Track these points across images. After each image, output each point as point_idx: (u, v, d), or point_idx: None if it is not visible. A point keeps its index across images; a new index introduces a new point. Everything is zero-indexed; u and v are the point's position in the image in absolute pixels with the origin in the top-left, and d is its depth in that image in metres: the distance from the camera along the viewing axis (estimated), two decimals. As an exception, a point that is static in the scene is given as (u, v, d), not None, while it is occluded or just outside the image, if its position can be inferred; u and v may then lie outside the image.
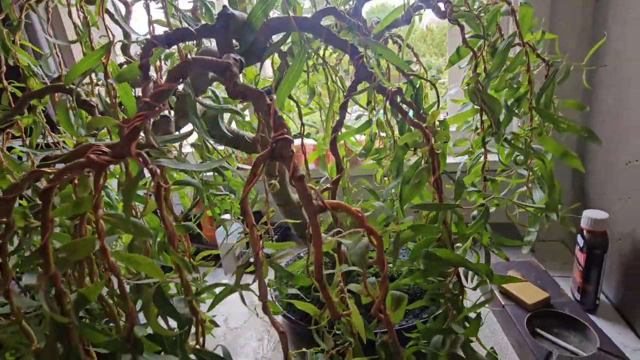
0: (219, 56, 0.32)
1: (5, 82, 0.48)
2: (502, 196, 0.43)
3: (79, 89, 0.47)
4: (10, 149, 0.51)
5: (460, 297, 0.30)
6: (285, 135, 0.18)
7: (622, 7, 0.62)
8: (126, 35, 0.53)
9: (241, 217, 0.21)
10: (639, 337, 0.58)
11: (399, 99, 0.29)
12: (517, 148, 0.41)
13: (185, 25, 0.43)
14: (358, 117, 0.52)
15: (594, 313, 0.63)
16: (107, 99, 0.45)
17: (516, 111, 0.46)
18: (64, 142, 0.56)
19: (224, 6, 0.25)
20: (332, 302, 0.19)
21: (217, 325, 0.41)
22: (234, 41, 0.31)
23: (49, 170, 0.25)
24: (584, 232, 0.63)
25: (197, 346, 0.23)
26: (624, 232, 0.62)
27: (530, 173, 0.47)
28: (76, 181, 0.23)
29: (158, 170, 0.19)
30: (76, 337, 0.18)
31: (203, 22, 0.39)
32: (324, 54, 0.38)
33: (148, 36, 0.44)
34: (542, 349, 0.49)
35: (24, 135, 0.47)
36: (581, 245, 0.64)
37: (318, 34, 0.28)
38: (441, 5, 0.47)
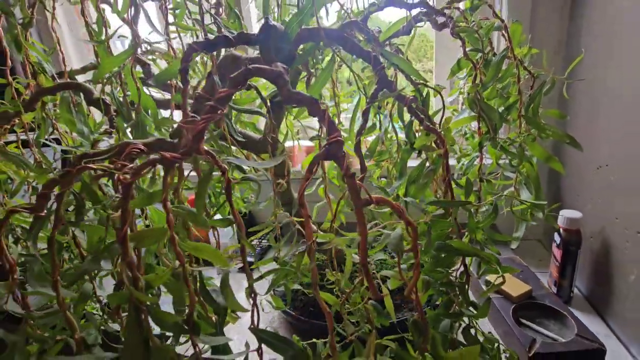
0: (246, 62, 0.34)
1: (9, 78, 0.48)
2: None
3: (91, 87, 0.47)
4: (8, 143, 0.50)
5: (467, 285, 0.33)
6: (339, 138, 0.21)
7: (594, 24, 0.69)
8: (135, 35, 0.54)
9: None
10: (608, 325, 0.64)
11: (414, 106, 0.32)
12: (511, 153, 0.45)
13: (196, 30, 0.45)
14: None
15: (568, 304, 0.69)
16: (120, 98, 0.46)
17: (507, 118, 0.50)
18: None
19: (266, 18, 0.27)
20: (374, 283, 0.21)
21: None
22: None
23: (94, 167, 0.27)
24: (561, 230, 0.69)
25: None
26: (595, 231, 0.69)
27: (518, 175, 0.52)
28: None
29: (226, 167, 0.21)
30: (147, 319, 0.19)
31: (221, 29, 0.40)
32: (351, 64, 0.41)
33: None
34: (527, 337, 0.54)
35: (27, 131, 0.47)
36: (558, 242, 0.69)
37: (343, 44, 0.31)
38: (438, 19, 0.51)
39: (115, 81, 0.49)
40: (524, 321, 0.59)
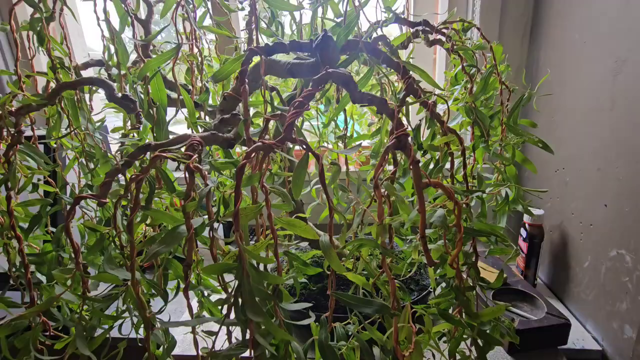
0: (286, 65, 0.38)
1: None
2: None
3: (113, 84, 0.48)
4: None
5: (476, 261, 0.39)
6: (406, 132, 0.25)
7: (549, 51, 0.81)
8: (147, 35, 0.55)
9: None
10: (567, 307, 0.75)
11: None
12: (499, 155, 0.52)
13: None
14: (370, 124, 0.60)
15: (534, 291, 0.79)
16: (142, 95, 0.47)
17: (491, 125, 0.58)
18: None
19: (325, 30, 0.31)
20: (430, 252, 0.26)
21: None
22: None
23: (167, 155, 0.29)
24: (526, 225, 0.79)
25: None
26: (554, 225, 0.79)
27: (499, 175, 0.59)
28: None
29: (321, 155, 0.24)
30: (248, 286, 0.22)
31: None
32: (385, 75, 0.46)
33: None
34: (507, 317, 0.62)
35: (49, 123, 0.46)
36: (524, 236, 0.79)
37: (377, 55, 0.36)
38: (431, 37, 0.58)
39: (131, 77, 0.50)
40: (500, 302, 0.67)
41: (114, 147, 0.78)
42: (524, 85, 0.59)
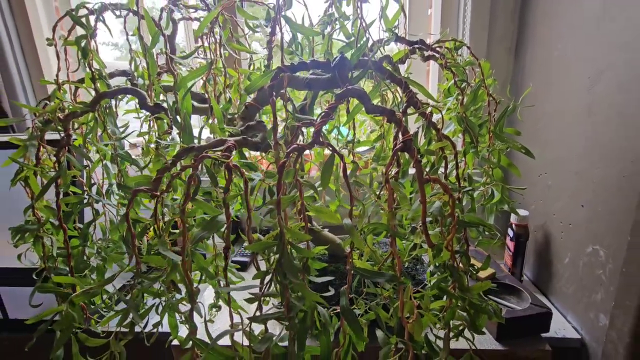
0: (305, 80, 0.44)
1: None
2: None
3: (144, 93, 0.53)
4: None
5: (467, 249, 0.45)
6: (411, 137, 0.31)
7: (534, 64, 0.89)
8: (172, 50, 0.61)
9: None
10: (550, 301, 0.81)
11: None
12: (488, 160, 0.59)
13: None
14: (372, 131, 0.66)
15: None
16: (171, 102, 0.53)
17: (480, 133, 0.65)
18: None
19: (341, 53, 0.37)
20: (429, 237, 0.32)
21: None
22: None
23: (212, 155, 0.35)
24: (513, 225, 0.85)
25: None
26: (538, 225, 0.86)
27: (487, 178, 0.66)
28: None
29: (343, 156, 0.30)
30: (288, 256, 0.28)
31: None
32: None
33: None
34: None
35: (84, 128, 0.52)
36: (511, 235, 0.86)
37: (382, 72, 0.42)
38: (425, 53, 0.65)
39: (158, 87, 0.56)
40: (490, 296, 0.73)
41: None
42: (509, 97, 0.66)
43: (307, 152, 0.88)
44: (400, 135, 0.43)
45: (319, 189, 0.34)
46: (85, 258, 0.61)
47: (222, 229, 0.35)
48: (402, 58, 0.64)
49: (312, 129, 0.46)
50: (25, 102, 1.10)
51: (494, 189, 0.63)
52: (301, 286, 0.27)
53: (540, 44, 0.86)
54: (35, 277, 0.59)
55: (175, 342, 0.73)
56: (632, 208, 0.58)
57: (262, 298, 0.32)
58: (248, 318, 0.31)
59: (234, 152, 0.36)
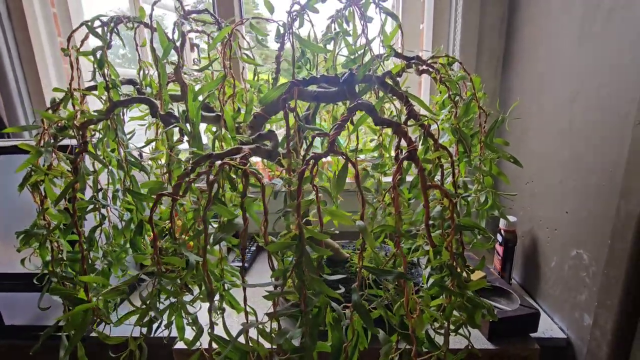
0: (313, 93, 0.47)
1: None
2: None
3: (156, 102, 0.56)
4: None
5: (462, 251, 0.48)
6: (415, 148, 0.34)
7: (518, 80, 0.94)
8: (180, 62, 0.64)
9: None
10: (538, 304, 0.85)
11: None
12: (479, 169, 0.63)
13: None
14: (371, 140, 0.70)
15: (509, 289, 0.89)
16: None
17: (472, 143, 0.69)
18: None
19: (350, 69, 0.40)
20: (432, 237, 0.35)
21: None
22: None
23: (232, 163, 0.37)
24: (502, 231, 0.90)
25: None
26: (525, 231, 0.91)
27: (478, 185, 0.70)
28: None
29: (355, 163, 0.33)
30: (307, 254, 0.30)
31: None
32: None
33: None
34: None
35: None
36: (500, 240, 0.90)
37: (385, 86, 0.46)
38: (420, 68, 0.69)
39: (167, 97, 0.58)
40: (482, 298, 0.77)
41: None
42: (498, 110, 0.71)
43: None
44: (401, 145, 0.46)
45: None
46: (89, 262, 0.62)
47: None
48: (398, 72, 0.68)
49: (317, 138, 0.49)
50: (22, 111, 1.10)
51: (487, 196, 0.67)
52: (318, 282, 0.30)
53: (525, 60, 0.91)
54: (35, 282, 0.60)
55: (177, 345, 0.75)
56: (611, 215, 0.63)
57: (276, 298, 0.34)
58: (266, 314, 0.33)
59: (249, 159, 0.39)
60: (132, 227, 0.63)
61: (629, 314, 0.60)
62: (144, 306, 0.41)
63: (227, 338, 0.36)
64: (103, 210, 0.64)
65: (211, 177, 0.38)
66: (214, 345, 0.44)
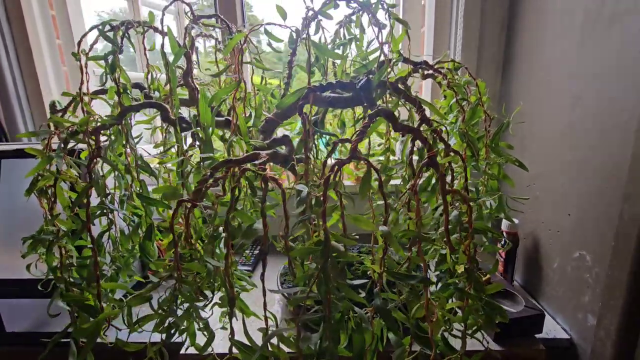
0: (327, 98, 0.47)
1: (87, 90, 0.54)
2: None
3: (167, 106, 0.55)
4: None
5: (475, 254, 0.49)
6: (435, 153, 0.35)
7: (519, 84, 0.95)
8: (189, 67, 0.64)
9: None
10: (540, 305, 0.86)
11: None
12: (486, 172, 0.63)
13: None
14: (379, 145, 0.70)
15: (512, 291, 0.90)
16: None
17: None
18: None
19: (368, 74, 0.41)
20: (451, 240, 0.36)
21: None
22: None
23: (252, 168, 0.37)
24: (504, 233, 0.91)
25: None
26: (527, 232, 0.92)
27: (484, 188, 0.71)
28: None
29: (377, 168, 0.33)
30: (333, 259, 0.30)
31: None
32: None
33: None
34: (492, 310, 0.72)
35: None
36: (502, 242, 0.91)
37: (398, 92, 0.46)
38: (426, 72, 0.70)
39: (177, 101, 0.58)
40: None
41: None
42: (502, 115, 0.72)
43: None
44: (414, 149, 0.47)
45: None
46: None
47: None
48: (405, 76, 0.69)
49: (320, 141, 0.49)
50: (21, 116, 1.09)
51: (498, 199, 0.68)
52: (344, 286, 0.30)
53: (526, 65, 0.93)
54: (40, 288, 0.59)
55: (183, 351, 0.74)
56: (614, 217, 0.64)
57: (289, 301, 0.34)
58: (290, 319, 0.33)
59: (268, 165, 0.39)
60: (139, 232, 0.63)
61: (633, 314, 0.61)
62: (160, 311, 0.41)
63: (249, 344, 0.36)
64: (110, 216, 0.64)
65: (230, 182, 0.38)
66: (220, 350, 0.45)
